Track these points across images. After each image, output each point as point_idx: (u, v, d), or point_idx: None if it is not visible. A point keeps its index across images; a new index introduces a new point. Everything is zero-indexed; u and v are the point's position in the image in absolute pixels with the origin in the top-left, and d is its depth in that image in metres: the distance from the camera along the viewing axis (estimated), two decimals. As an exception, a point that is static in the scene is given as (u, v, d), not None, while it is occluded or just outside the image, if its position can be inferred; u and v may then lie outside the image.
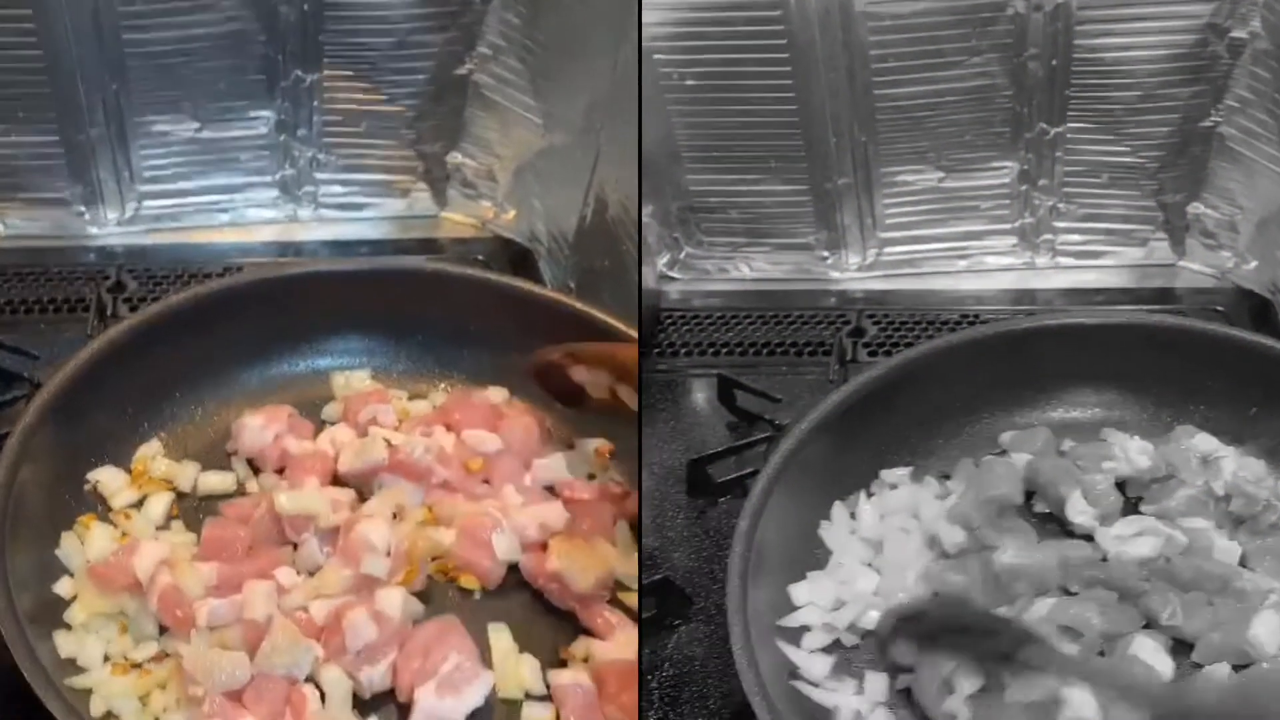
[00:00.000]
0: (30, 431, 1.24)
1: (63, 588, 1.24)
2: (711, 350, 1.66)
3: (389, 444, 1.37)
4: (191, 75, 1.63)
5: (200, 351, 1.41)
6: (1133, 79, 1.57)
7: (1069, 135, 1.63)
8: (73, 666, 1.19)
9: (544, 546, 1.32)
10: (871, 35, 1.56)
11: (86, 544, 1.27)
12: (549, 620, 1.30)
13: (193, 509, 1.34)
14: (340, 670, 1.19)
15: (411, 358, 1.50)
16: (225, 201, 1.74)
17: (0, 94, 1.60)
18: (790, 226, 1.75)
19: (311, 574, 1.27)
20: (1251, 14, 1.49)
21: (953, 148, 1.66)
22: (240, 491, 1.37)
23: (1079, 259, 1.73)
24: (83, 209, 1.70)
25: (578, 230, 1.63)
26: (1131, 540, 1.27)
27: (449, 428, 1.41)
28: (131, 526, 1.30)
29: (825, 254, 1.76)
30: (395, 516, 1.33)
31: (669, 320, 1.71)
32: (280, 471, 1.37)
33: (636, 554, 1.31)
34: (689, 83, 1.63)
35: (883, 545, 1.32)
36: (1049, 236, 1.72)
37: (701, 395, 1.60)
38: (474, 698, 1.20)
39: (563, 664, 1.26)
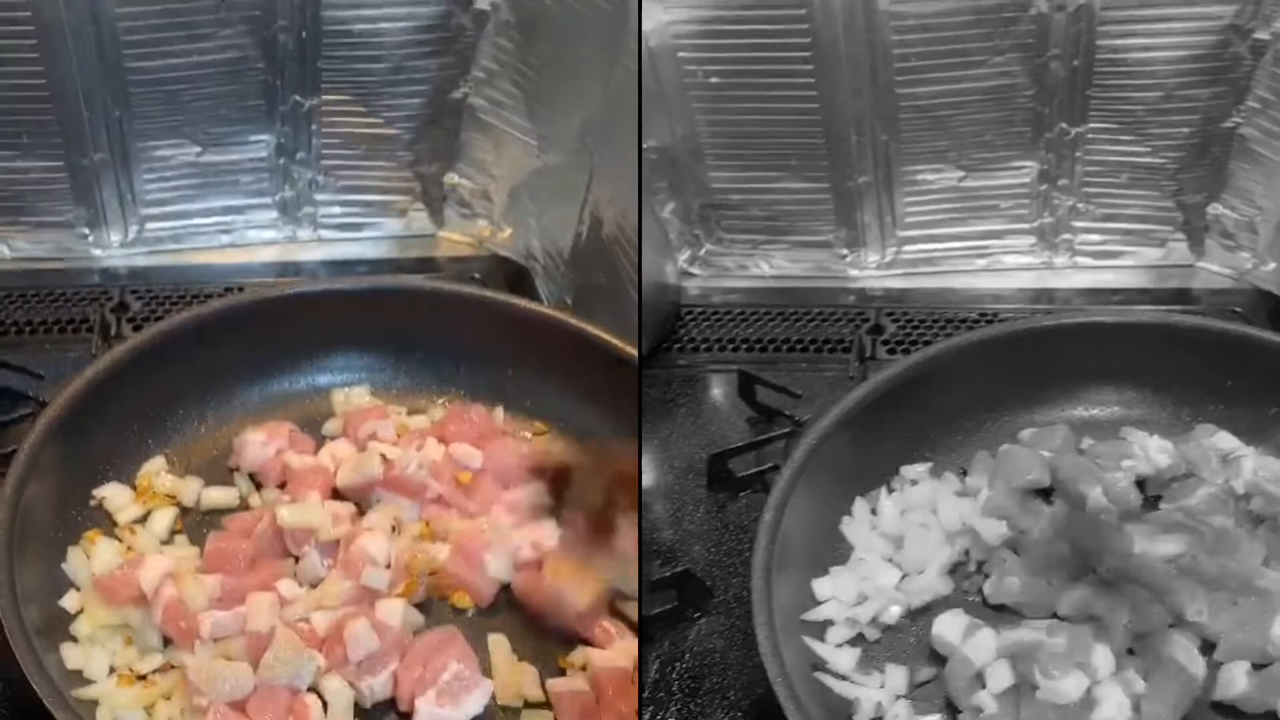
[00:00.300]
0: (36, 449, 1.26)
1: (69, 602, 1.25)
2: (731, 346, 1.67)
3: (385, 459, 1.38)
4: (193, 101, 1.66)
5: (203, 370, 1.42)
6: (1154, 79, 1.57)
7: (1089, 135, 1.64)
8: (79, 678, 1.20)
9: (538, 565, 1.32)
10: (894, 34, 1.57)
11: (92, 559, 1.28)
12: (547, 632, 1.30)
13: (196, 524, 1.36)
14: (342, 680, 1.20)
15: (410, 374, 1.51)
16: (226, 223, 1.77)
17: (5, 120, 1.62)
18: (810, 224, 1.75)
19: (313, 586, 1.29)
20: (1274, 15, 1.49)
21: (973, 147, 1.67)
22: (243, 506, 1.38)
23: (1097, 259, 1.74)
24: (87, 231, 1.72)
25: (573, 248, 1.65)
26: (1159, 538, 1.27)
27: (441, 440, 1.43)
28: (136, 541, 1.31)
29: (845, 252, 1.77)
30: (394, 530, 1.34)
31: (689, 316, 1.72)
32: (282, 486, 1.38)
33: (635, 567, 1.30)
34: (712, 80, 1.63)
35: (903, 541, 1.33)
36: (1068, 236, 1.73)
37: (720, 390, 1.61)
38: (474, 706, 1.21)
39: (561, 673, 1.27)
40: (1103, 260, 1.74)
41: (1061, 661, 1.17)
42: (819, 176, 1.71)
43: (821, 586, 1.28)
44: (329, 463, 1.39)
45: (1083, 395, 1.45)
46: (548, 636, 1.29)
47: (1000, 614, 1.27)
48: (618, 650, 1.25)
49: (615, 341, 1.41)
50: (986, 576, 1.30)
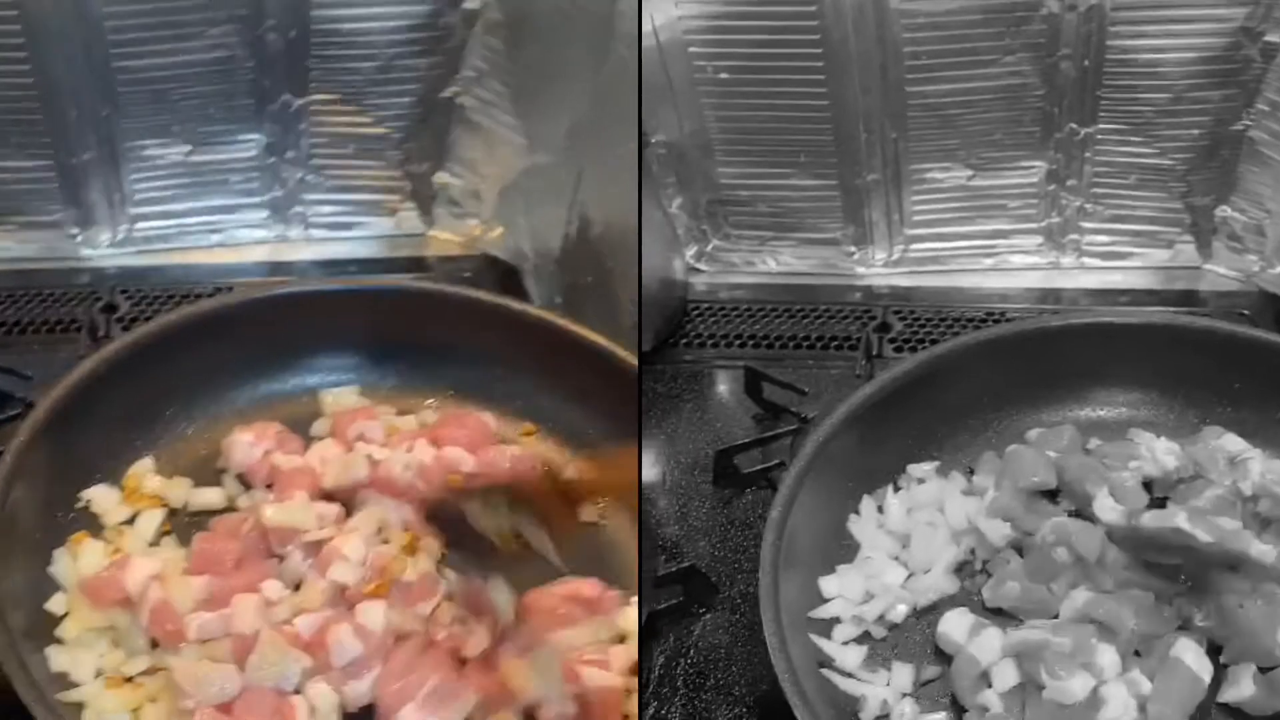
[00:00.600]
0: (23, 450, 1.25)
1: (55, 604, 1.24)
2: (738, 342, 1.67)
3: (373, 460, 1.38)
4: (181, 101, 1.65)
5: (192, 370, 1.42)
6: (1164, 81, 1.57)
7: (1099, 136, 1.64)
8: (65, 681, 1.19)
9: None
10: (905, 32, 1.57)
11: (79, 561, 1.27)
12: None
13: (184, 525, 1.35)
14: (327, 685, 1.20)
15: (399, 374, 1.51)
16: (216, 223, 1.76)
17: (-5, 121, 1.63)
18: (818, 221, 1.75)
19: (297, 587, 1.28)
20: (1286, 18, 1.49)
21: (982, 146, 1.67)
22: (231, 507, 1.37)
23: (1105, 260, 1.74)
24: (76, 231, 1.72)
25: (563, 247, 1.65)
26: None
27: (434, 442, 1.42)
28: (124, 543, 1.31)
29: (852, 249, 1.77)
30: (380, 532, 1.34)
31: (695, 312, 1.72)
32: (270, 487, 1.38)
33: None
34: (722, 76, 1.63)
35: (910, 539, 1.33)
36: (1075, 237, 1.73)
37: (727, 387, 1.61)
38: (454, 716, 1.20)
39: None
40: (1110, 261, 1.74)
41: (1067, 661, 1.17)
42: (827, 173, 1.71)
43: (828, 584, 1.29)
44: (317, 464, 1.39)
45: (1090, 396, 1.45)
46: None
47: (1005, 614, 1.28)
48: (607, 670, 1.24)
49: (604, 342, 1.42)
50: (990, 577, 1.30)
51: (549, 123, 1.63)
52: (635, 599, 1.29)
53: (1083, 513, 1.34)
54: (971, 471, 1.40)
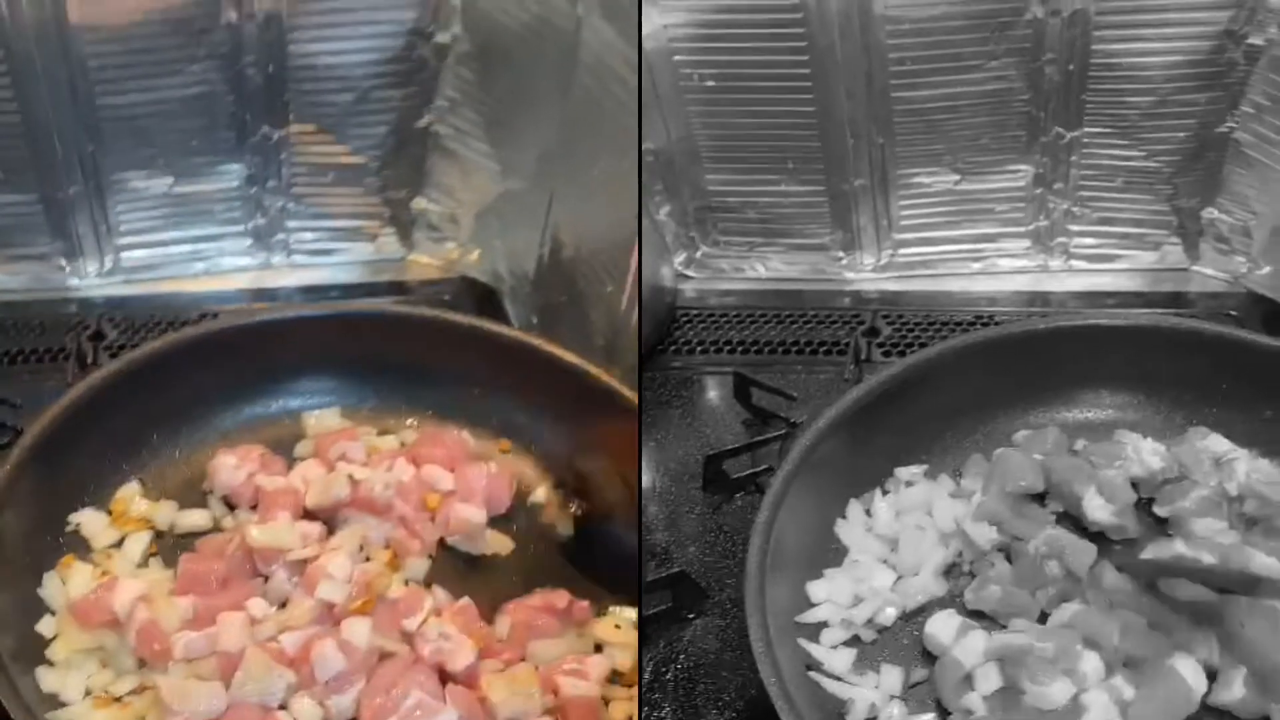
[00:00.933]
0: (13, 477, 1.26)
1: (45, 626, 1.25)
2: (727, 348, 1.67)
3: (353, 480, 1.39)
4: (164, 134, 1.67)
5: (178, 395, 1.43)
6: (1149, 84, 1.58)
7: (1085, 139, 1.65)
8: (55, 701, 1.20)
9: None
10: (890, 38, 1.58)
11: (68, 583, 1.29)
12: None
13: (170, 547, 1.36)
14: (312, 699, 1.21)
15: (380, 395, 1.52)
16: (200, 251, 1.79)
17: (-18, 156, 1.64)
18: (806, 227, 1.76)
19: (282, 605, 1.29)
20: (1268, 20, 1.50)
21: (969, 150, 1.68)
22: (217, 529, 1.39)
23: (1092, 262, 1.75)
24: (63, 262, 1.74)
25: (537, 269, 1.68)
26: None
27: (413, 462, 1.44)
28: (112, 566, 1.32)
29: (840, 254, 1.77)
30: (362, 549, 1.35)
31: (684, 318, 1.72)
32: (254, 508, 1.39)
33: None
34: (708, 83, 1.64)
35: (898, 542, 1.33)
36: (1063, 240, 1.74)
37: (715, 393, 1.61)
38: None
39: None
40: (1098, 264, 1.75)
41: (1049, 667, 1.17)
42: (815, 179, 1.71)
43: (816, 589, 1.29)
44: (299, 484, 1.40)
45: (1077, 398, 1.45)
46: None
47: (987, 616, 1.28)
48: (587, 681, 1.25)
49: (578, 360, 1.43)
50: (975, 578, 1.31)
51: (520, 150, 1.67)
52: (610, 609, 1.31)
53: (1071, 513, 1.34)
54: (959, 474, 1.40)
